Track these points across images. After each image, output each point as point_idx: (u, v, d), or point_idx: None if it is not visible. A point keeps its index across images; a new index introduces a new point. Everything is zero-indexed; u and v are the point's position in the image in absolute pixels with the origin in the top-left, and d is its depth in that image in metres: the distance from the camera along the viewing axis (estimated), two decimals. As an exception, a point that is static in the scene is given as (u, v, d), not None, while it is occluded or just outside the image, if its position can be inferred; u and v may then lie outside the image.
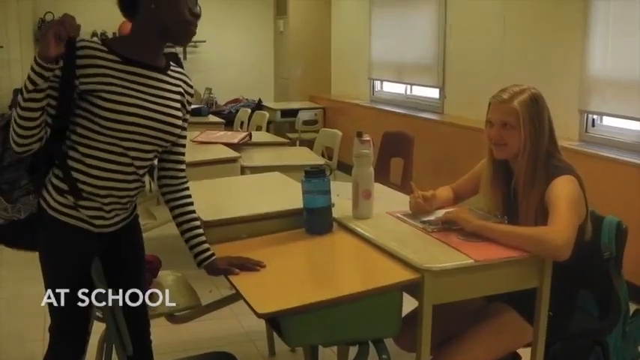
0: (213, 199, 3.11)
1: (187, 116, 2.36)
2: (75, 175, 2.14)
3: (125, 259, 2.38)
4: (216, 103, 9.55)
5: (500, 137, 2.61)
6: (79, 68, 2.05)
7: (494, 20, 6.03)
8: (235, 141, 5.27)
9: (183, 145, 2.39)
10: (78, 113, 2.10)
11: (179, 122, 2.25)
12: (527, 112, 2.55)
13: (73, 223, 2.17)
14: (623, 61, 4.73)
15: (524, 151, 2.57)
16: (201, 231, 2.39)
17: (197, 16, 2.20)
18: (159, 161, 2.37)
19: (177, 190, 2.38)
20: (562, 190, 2.47)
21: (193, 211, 2.40)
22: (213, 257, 2.37)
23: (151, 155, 2.23)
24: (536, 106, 2.59)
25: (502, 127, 2.60)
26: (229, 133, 5.90)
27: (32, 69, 1.90)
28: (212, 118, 7.45)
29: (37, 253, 2.22)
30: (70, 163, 2.14)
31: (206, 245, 2.38)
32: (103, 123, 2.09)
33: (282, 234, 2.72)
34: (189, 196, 2.40)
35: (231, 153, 4.86)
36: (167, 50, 2.33)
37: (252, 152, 5.17)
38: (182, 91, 2.30)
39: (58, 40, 1.87)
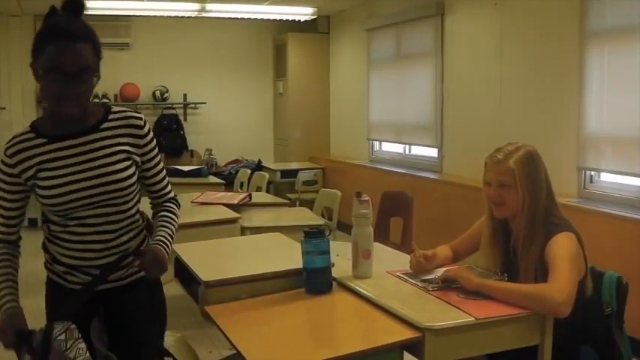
0: (213, 259, 3.11)
1: (147, 148, 2.28)
2: (50, 247, 2.25)
3: (120, 324, 2.29)
4: (216, 164, 9.62)
5: (498, 197, 2.64)
6: (16, 166, 2.15)
7: (491, 80, 6.12)
8: (235, 202, 5.28)
9: (155, 176, 2.33)
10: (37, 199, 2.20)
11: (124, 174, 2.19)
12: (523, 171, 2.59)
13: (51, 277, 2.27)
14: (619, 118, 4.79)
15: (522, 209, 2.59)
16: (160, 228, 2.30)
17: (66, 99, 2.09)
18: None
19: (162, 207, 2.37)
20: (561, 247, 2.48)
21: (165, 221, 2.32)
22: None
23: (112, 217, 2.21)
24: (532, 163, 2.62)
25: (500, 187, 2.63)
26: (229, 193, 5.90)
27: None
28: (212, 179, 7.47)
29: (30, 314, 2.20)
30: (47, 240, 2.26)
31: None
32: (48, 207, 2.17)
33: (282, 294, 2.72)
34: (168, 211, 2.35)
35: (231, 214, 4.86)
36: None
37: (252, 213, 5.17)
38: (129, 133, 2.25)
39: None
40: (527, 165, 2.60)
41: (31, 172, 2.14)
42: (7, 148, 2.15)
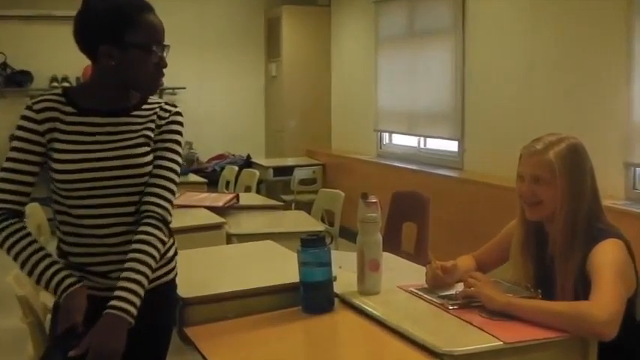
0: (194, 272, 3.10)
1: (160, 137, 2.40)
2: (60, 244, 2.35)
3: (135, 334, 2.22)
4: (197, 159, 9.59)
5: (532, 194, 2.62)
6: (43, 123, 2.25)
7: (520, 63, 6.12)
8: (220, 204, 5.29)
9: (157, 176, 2.36)
10: (49, 177, 2.28)
11: (143, 159, 2.33)
12: (563, 165, 2.56)
13: None
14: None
15: (561, 211, 2.57)
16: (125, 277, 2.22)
17: (164, 66, 2.32)
18: None
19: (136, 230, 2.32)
20: (607, 257, 2.47)
21: (132, 258, 2.25)
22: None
23: (125, 208, 2.30)
24: (575, 157, 2.60)
25: (534, 183, 2.61)
26: (213, 195, 5.93)
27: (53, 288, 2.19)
28: (193, 178, 7.49)
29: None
30: (57, 230, 2.36)
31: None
32: (60, 184, 2.26)
33: (275, 313, 2.71)
34: (140, 241, 2.26)
35: (215, 218, 4.88)
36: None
37: (240, 217, 5.20)
38: (154, 120, 2.39)
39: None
40: (570, 159, 2.58)
41: (52, 136, 2.25)
42: (35, 103, 2.26)
